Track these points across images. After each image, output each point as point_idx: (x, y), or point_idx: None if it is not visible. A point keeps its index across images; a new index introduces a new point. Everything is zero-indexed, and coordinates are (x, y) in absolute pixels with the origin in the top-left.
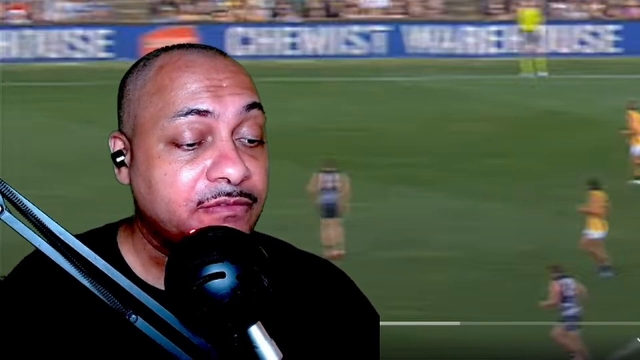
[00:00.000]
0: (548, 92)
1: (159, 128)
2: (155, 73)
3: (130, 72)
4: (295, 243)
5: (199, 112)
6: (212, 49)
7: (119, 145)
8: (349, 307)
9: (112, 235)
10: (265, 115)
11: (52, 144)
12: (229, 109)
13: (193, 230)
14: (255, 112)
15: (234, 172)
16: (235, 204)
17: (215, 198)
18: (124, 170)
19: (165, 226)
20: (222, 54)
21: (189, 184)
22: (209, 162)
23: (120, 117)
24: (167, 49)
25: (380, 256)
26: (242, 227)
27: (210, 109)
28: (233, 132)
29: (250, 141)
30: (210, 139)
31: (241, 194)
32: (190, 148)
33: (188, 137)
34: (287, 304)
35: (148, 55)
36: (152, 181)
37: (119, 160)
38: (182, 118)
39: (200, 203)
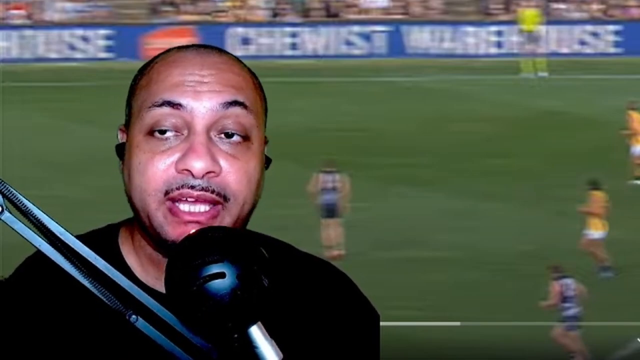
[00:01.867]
0: (548, 92)
1: (140, 118)
2: (149, 68)
3: (139, 70)
4: (295, 243)
5: (172, 104)
6: (210, 48)
7: (123, 138)
8: (349, 307)
9: (113, 235)
10: (252, 115)
11: (52, 144)
12: (203, 103)
13: (193, 230)
14: (236, 110)
15: (197, 164)
16: (199, 197)
17: (179, 189)
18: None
19: (141, 217)
20: (220, 52)
21: (157, 174)
22: (179, 154)
23: (125, 111)
24: (170, 49)
25: (380, 256)
26: (209, 224)
27: (184, 103)
28: (210, 128)
29: (229, 137)
30: (185, 132)
31: (206, 189)
32: (165, 139)
33: (160, 127)
34: (287, 304)
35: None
36: (130, 170)
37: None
38: (157, 109)
39: (166, 193)
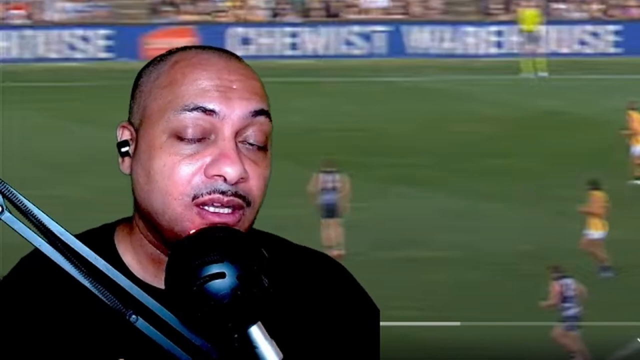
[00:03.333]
0: (548, 92)
1: (165, 119)
2: (169, 67)
3: (146, 66)
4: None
5: (205, 110)
6: (227, 52)
7: (125, 134)
8: (347, 300)
9: (109, 234)
10: (272, 122)
11: (52, 144)
12: (235, 111)
13: (193, 230)
14: (261, 118)
15: (231, 170)
16: (228, 203)
17: (210, 194)
18: (127, 159)
19: (159, 219)
20: (236, 57)
21: (185, 178)
22: (208, 159)
23: (130, 108)
24: (184, 48)
25: (380, 256)
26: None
27: (217, 109)
28: (237, 134)
29: (252, 145)
30: (212, 137)
31: (235, 194)
32: (192, 143)
33: (191, 132)
34: (287, 300)
35: (166, 52)
36: (151, 171)
37: (123, 150)
38: (188, 113)
39: (194, 198)
